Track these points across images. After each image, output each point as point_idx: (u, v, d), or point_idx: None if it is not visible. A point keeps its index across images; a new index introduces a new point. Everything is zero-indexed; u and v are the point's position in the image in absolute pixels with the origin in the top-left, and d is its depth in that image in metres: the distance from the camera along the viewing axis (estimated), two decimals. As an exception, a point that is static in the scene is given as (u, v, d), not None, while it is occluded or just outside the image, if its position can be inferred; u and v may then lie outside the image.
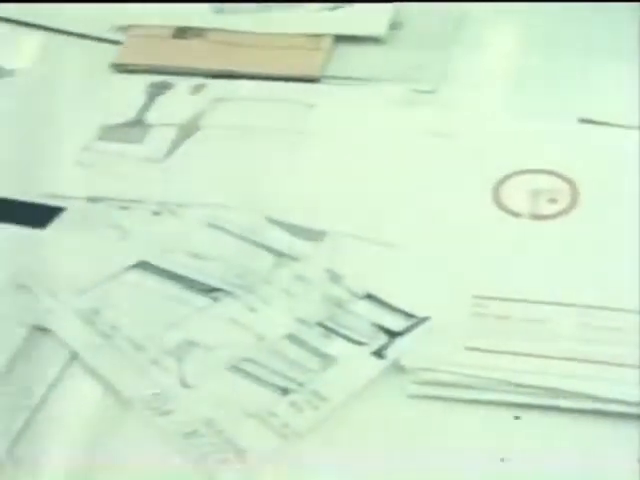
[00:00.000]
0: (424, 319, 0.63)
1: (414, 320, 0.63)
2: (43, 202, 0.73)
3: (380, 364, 0.61)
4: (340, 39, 0.85)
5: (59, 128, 0.78)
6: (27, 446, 0.58)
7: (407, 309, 0.64)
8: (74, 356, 0.62)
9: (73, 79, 0.83)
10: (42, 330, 0.64)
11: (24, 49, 0.87)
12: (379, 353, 0.62)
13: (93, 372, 0.61)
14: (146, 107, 0.80)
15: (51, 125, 0.79)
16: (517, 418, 0.58)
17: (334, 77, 0.82)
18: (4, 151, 0.77)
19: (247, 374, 0.61)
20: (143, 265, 0.68)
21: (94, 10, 0.88)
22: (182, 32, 0.86)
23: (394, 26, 0.85)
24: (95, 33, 0.87)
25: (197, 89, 0.81)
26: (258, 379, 0.60)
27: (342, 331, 0.63)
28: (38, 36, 0.88)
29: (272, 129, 0.77)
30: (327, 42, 0.84)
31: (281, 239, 0.69)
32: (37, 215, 0.72)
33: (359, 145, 0.76)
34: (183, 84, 0.82)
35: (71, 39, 0.87)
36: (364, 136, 0.77)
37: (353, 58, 0.83)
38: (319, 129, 0.78)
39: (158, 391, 0.60)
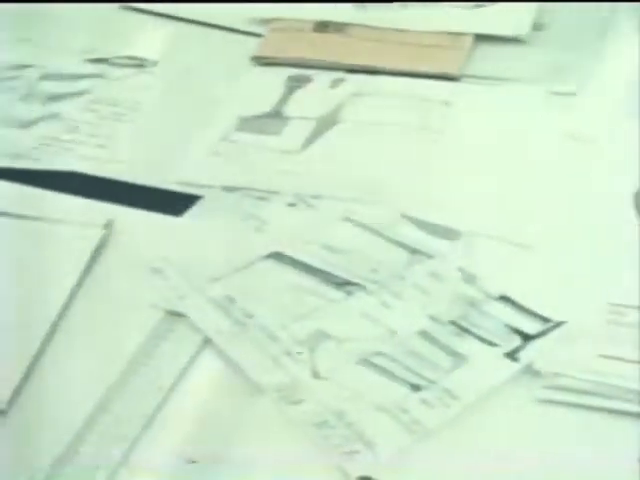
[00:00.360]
0: (559, 324, 0.63)
1: (549, 324, 0.63)
2: (181, 190, 0.74)
3: (513, 366, 0.60)
4: (481, 38, 0.84)
5: (199, 118, 0.79)
6: (159, 428, 0.59)
7: (542, 312, 0.63)
8: (207, 342, 0.63)
9: (214, 71, 0.84)
10: (176, 315, 0.65)
11: (167, 41, 0.89)
12: (512, 355, 0.61)
13: (225, 358, 0.62)
14: (285, 100, 0.81)
15: (191, 115, 0.80)
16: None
17: (473, 76, 0.82)
18: (145, 139, 0.79)
19: (379, 368, 0.61)
20: (277, 256, 0.68)
21: (236, 3, 0.89)
22: (323, 27, 0.87)
23: (537, 27, 0.84)
24: (236, 26, 0.88)
25: (336, 83, 0.82)
26: (390, 374, 0.60)
27: (475, 331, 0.63)
28: (181, 28, 0.89)
29: (409, 125, 0.77)
30: (468, 41, 0.84)
31: (415, 236, 0.69)
32: (174, 202, 0.73)
33: (496, 145, 0.76)
34: (322, 78, 0.82)
35: (213, 31, 0.88)
36: (501, 136, 0.76)
37: (493, 58, 0.82)
38: (456, 127, 0.77)
39: (288, 380, 0.60)
